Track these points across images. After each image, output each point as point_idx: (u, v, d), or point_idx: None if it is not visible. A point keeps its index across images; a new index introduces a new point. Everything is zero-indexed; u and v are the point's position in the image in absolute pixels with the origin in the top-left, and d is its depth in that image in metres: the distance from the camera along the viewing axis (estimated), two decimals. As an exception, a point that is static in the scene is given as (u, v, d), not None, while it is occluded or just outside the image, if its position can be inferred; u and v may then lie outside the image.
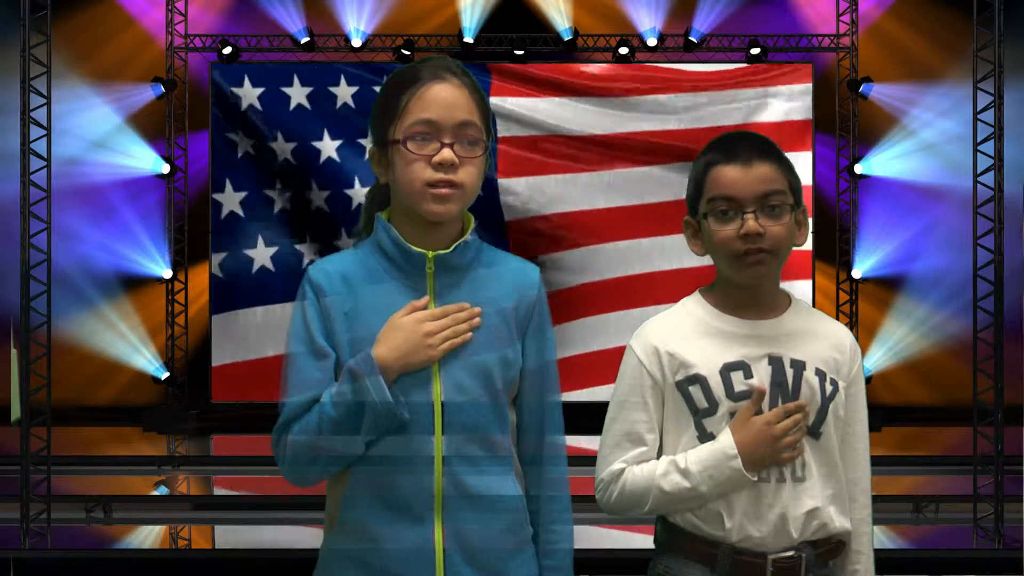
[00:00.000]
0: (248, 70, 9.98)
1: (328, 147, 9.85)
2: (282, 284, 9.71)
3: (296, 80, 9.90)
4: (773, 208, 2.18)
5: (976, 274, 6.54)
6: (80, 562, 5.63)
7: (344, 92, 9.89)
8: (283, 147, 9.85)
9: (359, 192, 9.75)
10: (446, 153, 2.04)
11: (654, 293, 9.48)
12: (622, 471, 2.20)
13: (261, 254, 9.92)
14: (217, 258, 9.95)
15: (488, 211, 9.68)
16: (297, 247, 9.90)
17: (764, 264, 2.18)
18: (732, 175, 2.19)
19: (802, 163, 9.67)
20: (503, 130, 9.78)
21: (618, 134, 9.90)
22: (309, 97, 9.88)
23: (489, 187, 9.73)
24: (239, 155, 9.91)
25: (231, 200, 9.91)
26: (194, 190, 10.55)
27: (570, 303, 9.72)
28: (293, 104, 9.88)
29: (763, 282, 2.22)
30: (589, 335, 9.74)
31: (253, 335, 9.83)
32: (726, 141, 2.24)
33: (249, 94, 9.88)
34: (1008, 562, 5.54)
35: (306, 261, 9.78)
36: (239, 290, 9.91)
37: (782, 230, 2.19)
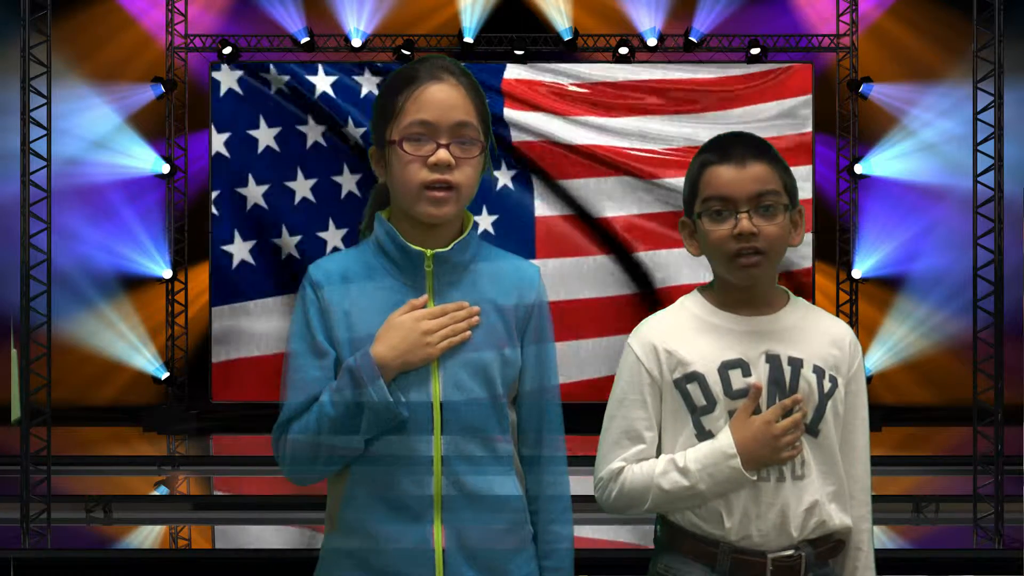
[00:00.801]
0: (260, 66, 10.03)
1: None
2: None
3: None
4: (767, 208, 2.18)
5: (976, 274, 6.54)
6: (80, 562, 5.63)
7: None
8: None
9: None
10: (442, 154, 2.04)
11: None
12: (621, 469, 2.21)
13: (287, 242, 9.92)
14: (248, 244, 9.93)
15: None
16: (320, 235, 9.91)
17: (758, 264, 2.19)
18: (726, 175, 2.19)
19: (802, 165, 9.69)
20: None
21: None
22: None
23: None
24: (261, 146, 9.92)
25: (254, 191, 9.90)
26: (194, 190, 10.55)
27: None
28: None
29: (758, 281, 2.23)
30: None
31: (261, 325, 9.85)
32: (721, 141, 2.25)
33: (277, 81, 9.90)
34: (1008, 562, 5.54)
35: (330, 248, 9.80)
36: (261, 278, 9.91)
37: (776, 230, 2.19)
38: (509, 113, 9.83)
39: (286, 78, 9.86)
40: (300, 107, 9.86)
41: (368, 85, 9.88)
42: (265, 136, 9.88)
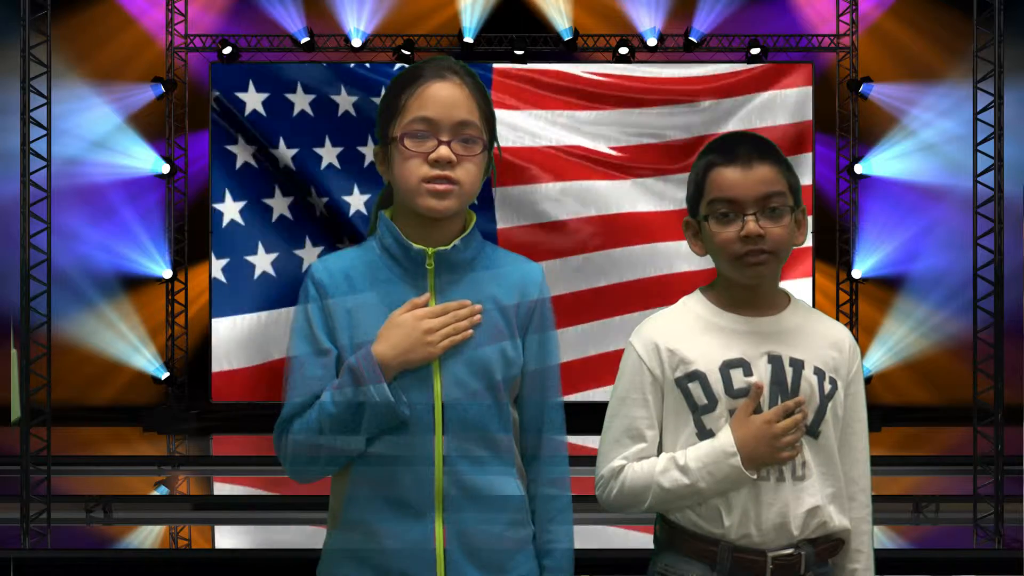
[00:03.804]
0: (251, 73, 9.96)
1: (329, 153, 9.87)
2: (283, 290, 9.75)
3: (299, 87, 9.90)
4: (773, 210, 2.18)
5: (976, 274, 6.54)
6: (80, 562, 5.63)
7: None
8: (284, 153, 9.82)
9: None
10: (443, 151, 2.04)
11: (649, 299, 9.52)
12: (622, 468, 2.21)
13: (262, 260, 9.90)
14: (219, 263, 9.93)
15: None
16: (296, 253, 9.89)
17: (765, 264, 2.19)
18: (732, 177, 2.19)
19: (802, 164, 9.70)
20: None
21: (620, 147, 9.92)
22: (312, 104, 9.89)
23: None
24: (239, 163, 9.90)
25: (231, 209, 9.88)
26: (194, 190, 10.55)
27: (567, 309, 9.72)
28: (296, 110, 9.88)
29: (763, 281, 2.23)
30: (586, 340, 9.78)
31: (254, 340, 9.82)
32: (726, 142, 2.25)
33: (253, 99, 9.86)
34: (1008, 562, 5.54)
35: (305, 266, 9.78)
36: (239, 295, 9.88)
37: (782, 231, 2.19)
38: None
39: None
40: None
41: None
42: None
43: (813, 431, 2.20)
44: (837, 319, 2.52)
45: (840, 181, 10.59)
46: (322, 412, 2.02)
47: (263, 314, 9.81)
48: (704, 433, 2.18)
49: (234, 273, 9.84)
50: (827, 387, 2.21)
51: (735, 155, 2.20)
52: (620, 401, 2.24)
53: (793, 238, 2.22)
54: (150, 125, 10.54)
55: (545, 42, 10.42)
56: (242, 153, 9.85)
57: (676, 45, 10.43)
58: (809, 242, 9.82)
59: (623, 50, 10.19)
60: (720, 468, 2.14)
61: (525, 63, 10.11)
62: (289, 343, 2.10)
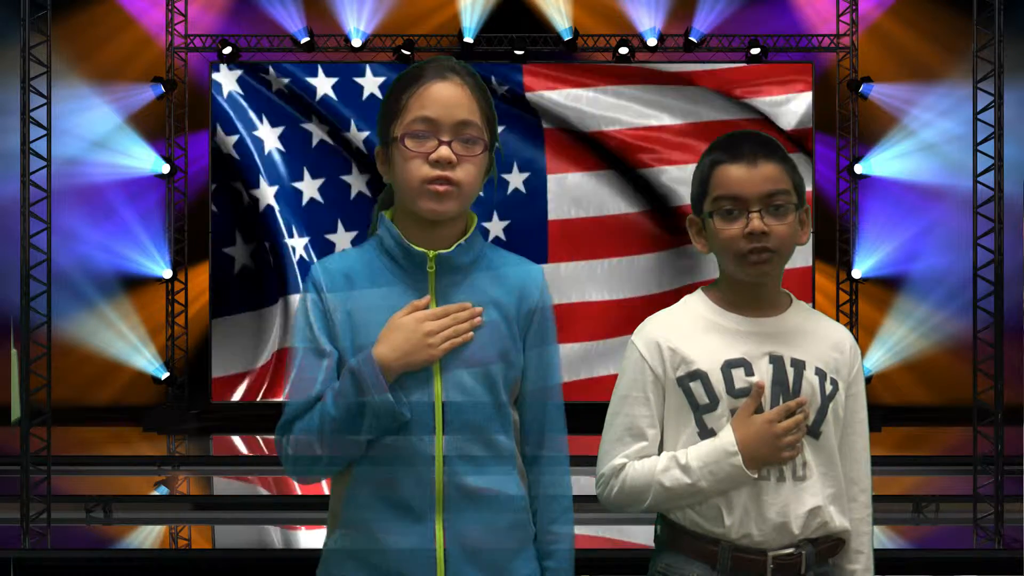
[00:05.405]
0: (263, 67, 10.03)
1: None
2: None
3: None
4: (778, 208, 2.19)
5: (976, 274, 6.54)
6: (80, 562, 5.63)
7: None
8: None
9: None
10: (443, 151, 2.04)
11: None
12: (623, 466, 2.21)
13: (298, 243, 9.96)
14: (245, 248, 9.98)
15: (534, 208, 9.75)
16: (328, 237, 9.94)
17: (769, 263, 2.19)
18: (737, 174, 2.19)
19: (802, 164, 9.71)
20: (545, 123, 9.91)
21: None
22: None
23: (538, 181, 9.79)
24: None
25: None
26: (194, 190, 10.55)
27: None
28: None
29: (766, 280, 2.23)
30: None
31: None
32: (731, 140, 2.25)
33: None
34: (1008, 562, 5.54)
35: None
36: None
37: (786, 229, 2.20)
38: (531, 96, 9.88)
39: (286, 80, 9.91)
40: (301, 109, 9.92)
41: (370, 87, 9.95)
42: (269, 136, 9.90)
43: (814, 431, 2.20)
44: (837, 319, 2.52)
45: (840, 181, 10.59)
46: (323, 414, 2.02)
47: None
48: (705, 432, 2.18)
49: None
50: (828, 388, 2.21)
51: (740, 153, 2.20)
52: (621, 399, 2.24)
53: (797, 236, 2.23)
54: (150, 125, 10.53)
55: (545, 42, 10.42)
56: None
57: (676, 45, 10.43)
58: (809, 242, 9.80)
59: (623, 50, 10.20)
60: (721, 467, 2.14)
61: (525, 63, 10.12)
62: (290, 344, 2.10)
